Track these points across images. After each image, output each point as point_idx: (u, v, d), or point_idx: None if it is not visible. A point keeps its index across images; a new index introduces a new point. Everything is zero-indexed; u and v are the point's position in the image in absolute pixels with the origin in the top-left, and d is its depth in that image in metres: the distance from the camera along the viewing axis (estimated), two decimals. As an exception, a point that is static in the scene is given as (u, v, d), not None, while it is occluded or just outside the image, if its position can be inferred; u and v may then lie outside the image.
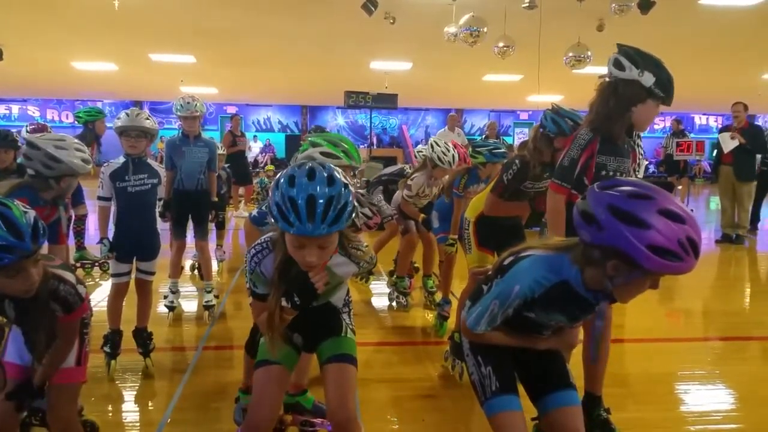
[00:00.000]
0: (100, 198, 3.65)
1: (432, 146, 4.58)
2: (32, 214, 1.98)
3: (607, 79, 2.66)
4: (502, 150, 4.33)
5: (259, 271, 2.00)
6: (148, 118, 3.72)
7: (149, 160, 3.73)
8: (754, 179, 9.11)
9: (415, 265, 5.79)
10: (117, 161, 3.64)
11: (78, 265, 6.05)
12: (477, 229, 3.67)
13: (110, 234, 3.66)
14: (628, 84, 2.56)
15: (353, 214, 1.88)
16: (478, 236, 3.68)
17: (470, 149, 4.43)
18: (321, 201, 1.77)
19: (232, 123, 11.21)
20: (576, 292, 1.79)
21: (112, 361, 3.58)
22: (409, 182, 4.80)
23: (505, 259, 1.95)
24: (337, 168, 1.89)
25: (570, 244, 1.81)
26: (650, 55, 2.59)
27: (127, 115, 3.69)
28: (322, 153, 2.89)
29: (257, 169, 18.82)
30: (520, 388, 2.05)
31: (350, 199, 1.84)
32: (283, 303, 1.96)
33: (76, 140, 3.10)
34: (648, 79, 2.53)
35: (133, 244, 3.65)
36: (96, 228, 4.02)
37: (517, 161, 3.33)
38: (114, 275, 3.68)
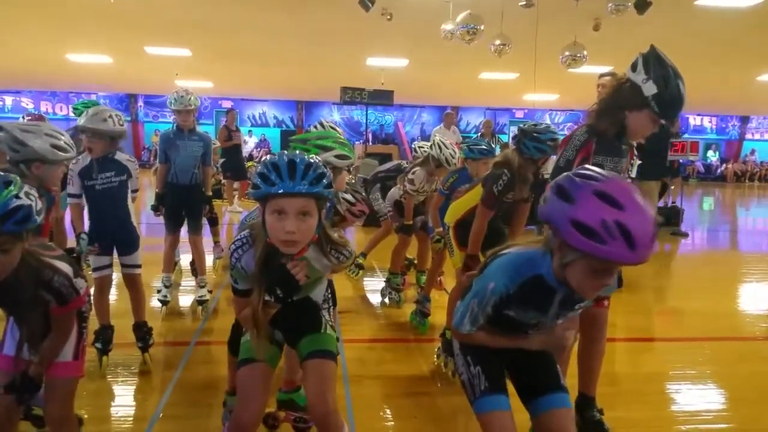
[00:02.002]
0: (70, 195, 3.56)
1: (440, 147, 4.56)
2: (21, 202, 1.89)
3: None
4: (482, 146, 4.38)
5: (239, 267, 2.00)
6: (106, 120, 3.44)
7: (117, 156, 3.56)
8: (656, 178, 9.26)
9: (414, 261, 5.80)
10: (85, 158, 3.51)
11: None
12: (457, 233, 3.71)
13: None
14: (632, 87, 2.49)
15: (331, 188, 1.94)
16: (458, 240, 3.70)
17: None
18: (301, 164, 1.87)
19: (228, 117, 11.16)
20: (550, 286, 1.79)
21: (104, 357, 3.57)
22: (410, 176, 4.80)
23: (488, 259, 1.99)
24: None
25: (544, 239, 1.83)
26: (669, 67, 2.43)
27: (87, 113, 3.49)
28: (316, 145, 2.88)
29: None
30: (512, 391, 2.05)
31: (329, 174, 1.94)
32: (266, 297, 1.96)
33: (54, 128, 2.96)
34: (649, 89, 2.43)
35: (109, 239, 3.58)
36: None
37: (506, 172, 3.31)
38: (95, 269, 3.60)
